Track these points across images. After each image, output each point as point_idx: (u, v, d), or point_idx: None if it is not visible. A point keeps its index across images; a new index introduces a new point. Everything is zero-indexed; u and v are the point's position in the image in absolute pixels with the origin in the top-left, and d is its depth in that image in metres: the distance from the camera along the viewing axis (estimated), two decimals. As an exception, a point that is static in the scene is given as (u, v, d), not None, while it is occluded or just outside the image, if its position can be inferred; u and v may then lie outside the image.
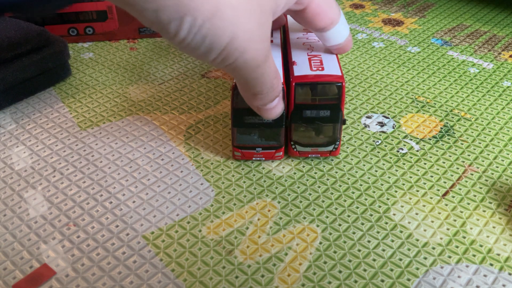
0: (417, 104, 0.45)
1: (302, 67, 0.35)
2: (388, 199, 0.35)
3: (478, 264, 0.31)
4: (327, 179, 0.37)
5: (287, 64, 0.37)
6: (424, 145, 0.40)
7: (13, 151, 0.40)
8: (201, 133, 0.42)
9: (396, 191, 0.36)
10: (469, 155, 0.39)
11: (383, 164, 0.38)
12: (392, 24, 0.60)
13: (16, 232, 0.33)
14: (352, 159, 0.39)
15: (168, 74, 0.50)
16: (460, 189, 0.36)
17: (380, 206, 0.35)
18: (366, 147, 0.40)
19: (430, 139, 0.41)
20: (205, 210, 0.34)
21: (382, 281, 0.30)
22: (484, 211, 0.34)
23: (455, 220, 0.34)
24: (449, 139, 0.41)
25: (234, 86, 0.34)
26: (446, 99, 0.46)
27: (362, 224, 0.33)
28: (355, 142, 0.41)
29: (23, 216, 0.34)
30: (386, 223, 0.34)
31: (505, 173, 0.38)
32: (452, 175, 0.37)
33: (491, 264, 0.31)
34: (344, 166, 0.38)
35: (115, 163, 0.38)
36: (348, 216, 0.34)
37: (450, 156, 0.39)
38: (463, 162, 0.39)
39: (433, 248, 0.32)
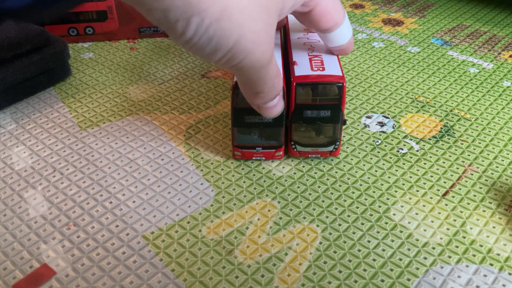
0: (417, 104, 0.45)
1: (303, 67, 0.35)
2: (388, 199, 0.35)
3: (478, 264, 0.31)
4: (327, 179, 0.37)
5: (288, 64, 0.37)
6: (424, 145, 0.40)
7: (13, 151, 0.40)
8: (201, 133, 0.42)
9: (396, 191, 0.36)
10: (469, 155, 0.39)
11: (383, 164, 0.38)
12: (392, 24, 0.60)
13: (16, 232, 0.33)
14: (352, 159, 0.39)
15: (168, 74, 0.50)
16: (460, 189, 0.36)
17: (380, 206, 0.35)
18: (366, 147, 0.40)
19: (430, 139, 0.41)
20: (205, 210, 0.34)
21: (382, 281, 0.30)
22: (484, 211, 0.34)
23: (455, 220, 0.34)
24: (449, 139, 0.41)
25: (234, 85, 0.34)
26: (446, 99, 0.46)
27: (362, 224, 0.33)
28: (355, 142, 0.41)
29: (23, 216, 0.34)
30: (386, 223, 0.34)
31: (505, 173, 0.38)
32: (452, 175, 0.37)
33: (491, 264, 0.31)
34: (344, 166, 0.38)
35: (115, 163, 0.38)
36: (348, 216, 0.34)
37: (450, 156, 0.39)
38: (463, 162, 0.39)
39: (433, 248, 0.32)
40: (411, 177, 0.37)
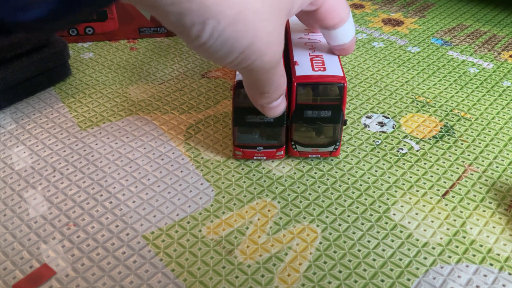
0: (417, 104, 0.45)
1: (304, 67, 0.35)
2: (388, 199, 0.35)
3: (478, 264, 0.31)
4: (327, 179, 0.37)
5: (289, 64, 0.37)
6: (424, 145, 0.40)
7: (13, 151, 0.40)
8: (201, 133, 0.42)
9: (396, 191, 0.36)
10: (469, 155, 0.39)
11: (383, 164, 0.38)
12: (392, 24, 0.60)
13: (16, 232, 0.33)
14: (352, 159, 0.39)
15: (168, 74, 0.50)
16: (460, 189, 0.36)
17: (380, 206, 0.35)
18: (366, 147, 0.40)
19: (430, 139, 0.41)
20: (205, 210, 0.34)
21: (382, 281, 0.30)
22: (484, 211, 0.34)
23: (455, 220, 0.34)
24: (449, 139, 0.41)
25: (236, 85, 0.34)
26: (446, 99, 0.46)
27: (362, 224, 0.33)
28: (355, 142, 0.41)
29: (23, 216, 0.34)
30: (386, 223, 0.34)
31: (505, 173, 0.38)
32: (452, 175, 0.37)
33: (491, 264, 0.31)
34: (344, 166, 0.38)
35: (115, 163, 0.38)
36: (348, 216, 0.34)
37: (450, 156, 0.39)
38: (463, 162, 0.39)
39: (433, 248, 0.32)
40: (411, 177, 0.37)
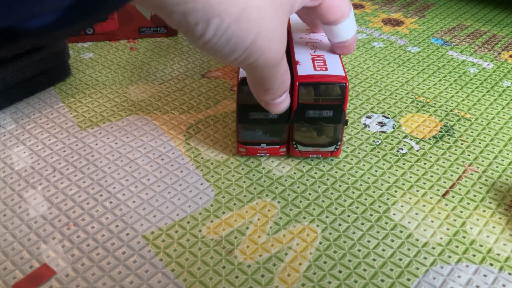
0: (417, 104, 0.45)
1: (305, 67, 0.35)
2: (388, 199, 0.35)
3: (478, 264, 0.31)
4: (327, 179, 0.37)
5: (291, 63, 0.36)
6: (424, 145, 0.40)
7: (13, 151, 0.40)
8: (201, 133, 0.42)
9: (396, 191, 0.36)
10: (469, 155, 0.39)
11: (383, 164, 0.38)
12: (392, 24, 0.60)
13: (16, 232, 0.33)
14: (352, 159, 0.39)
15: (168, 74, 0.50)
16: (460, 189, 0.36)
17: (380, 206, 0.35)
18: (366, 147, 0.40)
19: (430, 139, 0.41)
20: (205, 210, 0.34)
21: (382, 281, 0.30)
22: (484, 211, 0.34)
23: (455, 220, 0.34)
24: (449, 139, 0.41)
25: (240, 82, 0.34)
26: (446, 99, 0.46)
27: (362, 224, 0.33)
28: (355, 142, 0.41)
29: (23, 216, 0.34)
30: (386, 223, 0.34)
31: (505, 173, 0.38)
32: (452, 175, 0.37)
33: (491, 264, 0.31)
34: (344, 166, 0.38)
35: (115, 163, 0.38)
36: (348, 216, 0.34)
37: (450, 156, 0.39)
38: (463, 162, 0.39)
39: (433, 248, 0.32)
40: (411, 177, 0.37)
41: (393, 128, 0.42)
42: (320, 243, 0.32)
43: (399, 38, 0.57)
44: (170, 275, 0.30)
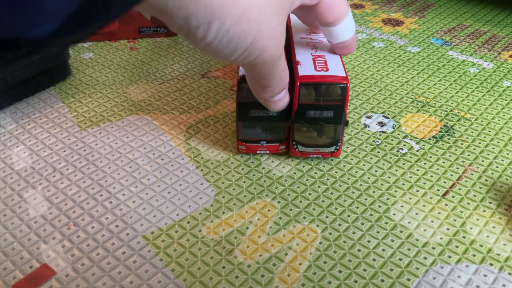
0: (417, 104, 0.45)
1: (306, 67, 0.35)
2: (388, 199, 0.35)
3: (478, 264, 0.31)
4: (327, 179, 0.37)
5: (291, 63, 0.36)
6: (424, 145, 0.40)
7: (13, 151, 0.40)
8: (201, 133, 0.42)
9: (396, 191, 0.36)
10: (469, 155, 0.39)
11: (383, 164, 0.38)
12: (392, 24, 0.60)
13: (16, 232, 0.33)
14: (352, 159, 0.39)
15: (168, 74, 0.50)
16: (460, 189, 0.36)
17: (380, 206, 0.35)
18: (366, 147, 0.40)
19: (430, 139, 0.41)
20: (205, 210, 0.34)
21: (382, 281, 0.30)
22: (484, 211, 0.34)
23: (455, 220, 0.34)
24: (449, 139, 0.41)
25: (240, 80, 0.34)
26: (446, 99, 0.46)
27: (362, 224, 0.33)
28: (355, 142, 0.41)
29: (23, 216, 0.34)
30: (386, 223, 0.34)
31: (505, 173, 0.38)
32: (452, 175, 0.37)
33: (491, 264, 0.31)
34: (344, 166, 0.38)
35: (115, 163, 0.38)
36: (348, 216, 0.34)
37: (450, 156, 0.39)
38: (463, 162, 0.39)
39: (433, 248, 0.32)
40: (411, 177, 0.37)
41: (393, 128, 0.42)
42: (320, 243, 0.32)
43: (399, 38, 0.57)
44: (170, 275, 0.30)
